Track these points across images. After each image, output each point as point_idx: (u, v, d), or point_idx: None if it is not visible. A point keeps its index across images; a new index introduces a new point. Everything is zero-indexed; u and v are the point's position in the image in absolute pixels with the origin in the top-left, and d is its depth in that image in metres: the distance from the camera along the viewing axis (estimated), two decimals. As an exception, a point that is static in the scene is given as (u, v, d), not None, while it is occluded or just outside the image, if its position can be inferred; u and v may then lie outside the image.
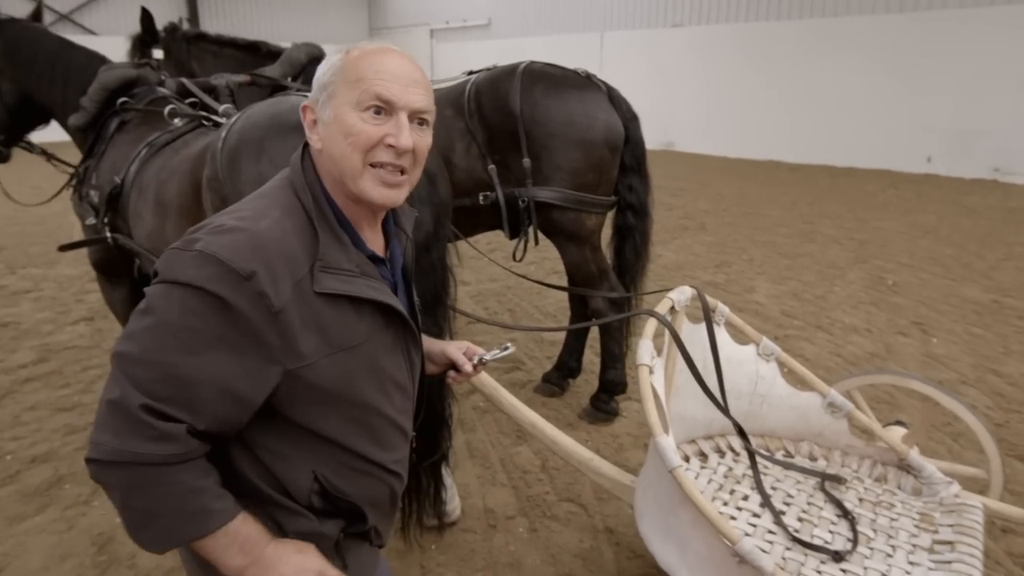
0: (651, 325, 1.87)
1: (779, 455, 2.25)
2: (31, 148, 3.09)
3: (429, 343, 1.40)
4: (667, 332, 1.92)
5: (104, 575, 2.25)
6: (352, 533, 1.11)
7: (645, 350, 1.78)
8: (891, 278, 5.62)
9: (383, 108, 1.00)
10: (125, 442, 0.87)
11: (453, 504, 2.46)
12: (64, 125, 2.78)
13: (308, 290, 0.96)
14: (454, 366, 1.37)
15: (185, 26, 3.58)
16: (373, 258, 1.08)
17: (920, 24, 10.49)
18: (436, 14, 18.79)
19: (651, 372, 1.76)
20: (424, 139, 1.06)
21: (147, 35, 3.30)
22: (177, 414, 0.89)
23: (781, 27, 12.21)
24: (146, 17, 3.30)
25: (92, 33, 14.96)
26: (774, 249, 6.55)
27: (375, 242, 1.12)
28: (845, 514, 1.93)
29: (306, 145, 1.08)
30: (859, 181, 10.27)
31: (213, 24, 17.58)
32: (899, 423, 2.50)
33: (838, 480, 2.07)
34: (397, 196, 1.06)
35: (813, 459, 2.24)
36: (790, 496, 2.03)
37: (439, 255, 2.08)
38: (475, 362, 1.36)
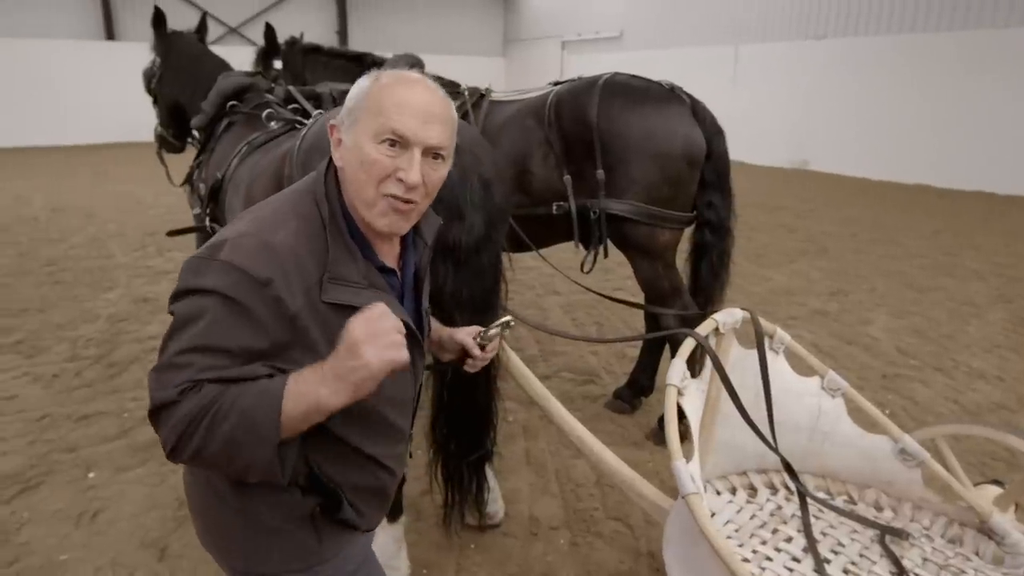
0: (687, 345, 1.80)
1: (840, 500, 2.07)
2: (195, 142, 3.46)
3: (439, 330, 1.44)
4: (708, 355, 1.84)
5: (180, 527, 2.50)
6: (327, 513, 1.16)
7: (676, 370, 1.71)
8: (1040, 322, 4.96)
9: (398, 142, 1.05)
10: (181, 418, 0.95)
11: (496, 506, 2.49)
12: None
13: (317, 298, 1.04)
14: (467, 353, 1.39)
15: (304, 40, 3.90)
16: (382, 269, 1.15)
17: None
18: (568, 26, 18.98)
19: (680, 394, 1.70)
20: (437, 172, 1.10)
21: (269, 48, 3.64)
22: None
23: (938, 39, 11.14)
24: (269, 32, 3.64)
25: (256, 45, 16.58)
26: (902, 280, 5.99)
27: (388, 252, 1.18)
28: (900, 572, 1.74)
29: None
30: (1023, 211, 9.13)
31: (360, 33, 18.89)
32: (996, 482, 2.22)
33: (901, 535, 1.87)
34: (403, 226, 1.11)
35: (879, 509, 2.04)
36: (841, 545, 1.86)
37: (490, 260, 2.12)
38: (477, 340, 1.36)
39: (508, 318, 1.29)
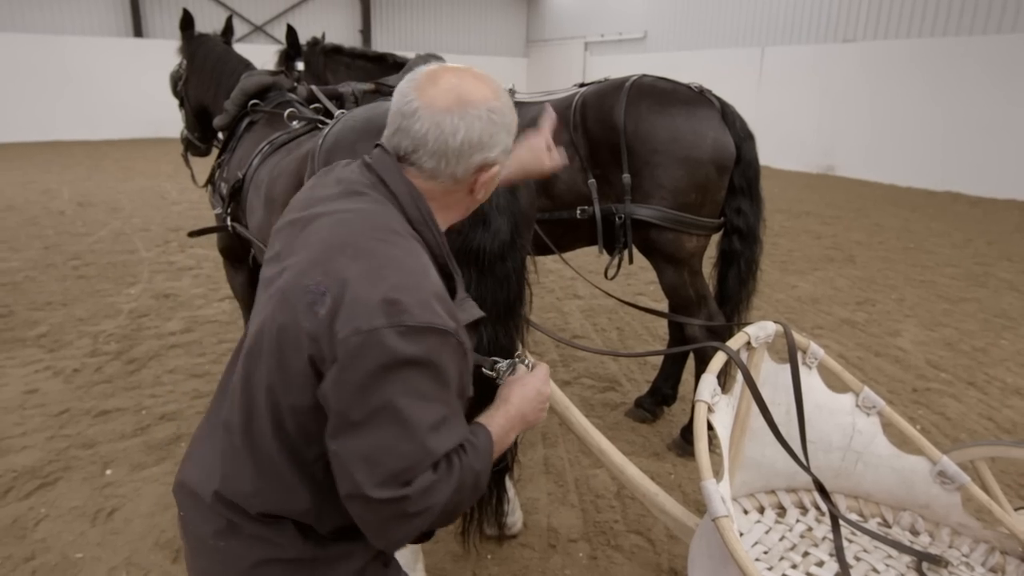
0: (718, 360, 1.73)
1: (874, 522, 1.99)
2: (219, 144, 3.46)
3: None
4: (739, 371, 1.77)
5: (195, 530, 2.48)
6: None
7: (706, 386, 1.64)
8: (1078, 336, 4.79)
9: None
10: (447, 497, 0.97)
11: (514, 517, 2.44)
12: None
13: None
14: None
15: (326, 40, 3.88)
16: None
17: None
18: (591, 27, 18.87)
19: (710, 410, 1.63)
20: None
21: (291, 49, 3.63)
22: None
23: (970, 43, 10.88)
24: (290, 33, 3.63)
25: (282, 43, 16.69)
26: (933, 290, 5.83)
27: None
28: (939, 603, 1.66)
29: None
30: (1057, 221, 8.88)
31: (383, 33, 18.94)
32: (1039, 508, 2.12)
33: (939, 562, 1.79)
34: None
35: (915, 533, 1.96)
36: (875, 571, 1.78)
37: (515, 265, 2.06)
38: (486, 368, 1.39)
39: (519, 351, 1.37)
